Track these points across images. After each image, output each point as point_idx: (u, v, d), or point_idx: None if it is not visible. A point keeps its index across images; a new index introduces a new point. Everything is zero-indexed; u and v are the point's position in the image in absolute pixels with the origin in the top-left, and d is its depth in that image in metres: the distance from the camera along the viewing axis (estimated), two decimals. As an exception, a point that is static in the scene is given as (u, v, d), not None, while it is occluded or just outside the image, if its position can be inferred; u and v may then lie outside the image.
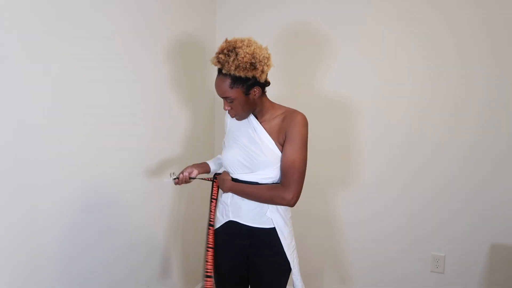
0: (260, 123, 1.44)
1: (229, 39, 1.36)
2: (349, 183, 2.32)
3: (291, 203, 1.36)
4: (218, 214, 1.54)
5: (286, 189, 1.34)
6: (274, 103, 1.49)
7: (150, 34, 1.94)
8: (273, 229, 1.43)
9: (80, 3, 1.52)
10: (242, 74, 1.30)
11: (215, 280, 1.57)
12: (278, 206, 1.42)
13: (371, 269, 2.31)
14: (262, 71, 1.33)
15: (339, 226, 2.37)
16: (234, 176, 1.46)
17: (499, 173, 2.02)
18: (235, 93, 1.34)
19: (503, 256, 2.03)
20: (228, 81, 1.32)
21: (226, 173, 1.50)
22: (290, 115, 1.41)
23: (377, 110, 2.22)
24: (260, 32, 2.30)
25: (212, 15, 2.53)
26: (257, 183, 1.41)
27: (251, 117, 1.46)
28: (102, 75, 1.66)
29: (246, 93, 1.35)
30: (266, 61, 1.33)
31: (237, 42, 1.31)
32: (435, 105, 2.10)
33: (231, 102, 1.37)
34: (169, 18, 2.09)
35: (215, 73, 1.39)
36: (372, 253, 2.30)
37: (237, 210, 1.46)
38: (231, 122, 1.53)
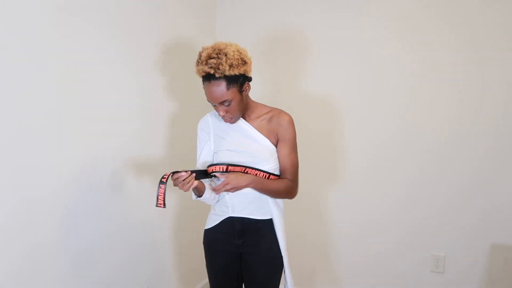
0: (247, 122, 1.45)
1: (204, 46, 1.34)
2: (349, 183, 2.33)
3: (295, 195, 1.52)
4: (213, 212, 1.54)
5: (293, 184, 1.48)
6: (257, 102, 1.49)
7: (149, 36, 1.95)
8: (269, 221, 1.45)
9: (80, 3, 1.53)
10: (236, 72, 1.28)
11: (208, 279, 1.57)
12: (279, 200, 1.48)
13: (371, 269, 2.31)
14: (250, 65, 1.34)
15: (339, 227, 2.37)
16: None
17: (499, 173, 2.01)
18: (232, 94, 1.31)
19: (503, 256, 2.03)
20: (223, 84, 1.29)
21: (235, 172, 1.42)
22: (277, 116, 1.43)
23: (375, 110, 2.22)
24: (261, 33, 2.32)
25: (212, 18, 2.54)
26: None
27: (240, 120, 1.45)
28: (101, 76, 1.67)
29: (240, 91, 1.34)
30: (247, 54, 1.34)
31: (220, 45, 1.30)
32: (435, 104, 2.10)
33: (228, 105, 1.33)
34: (169, 20, 2.10)
35: None
36: (372, 253, 2.30)
37: (238, 204, 1.45)
38: (214, 131, 1.49)
